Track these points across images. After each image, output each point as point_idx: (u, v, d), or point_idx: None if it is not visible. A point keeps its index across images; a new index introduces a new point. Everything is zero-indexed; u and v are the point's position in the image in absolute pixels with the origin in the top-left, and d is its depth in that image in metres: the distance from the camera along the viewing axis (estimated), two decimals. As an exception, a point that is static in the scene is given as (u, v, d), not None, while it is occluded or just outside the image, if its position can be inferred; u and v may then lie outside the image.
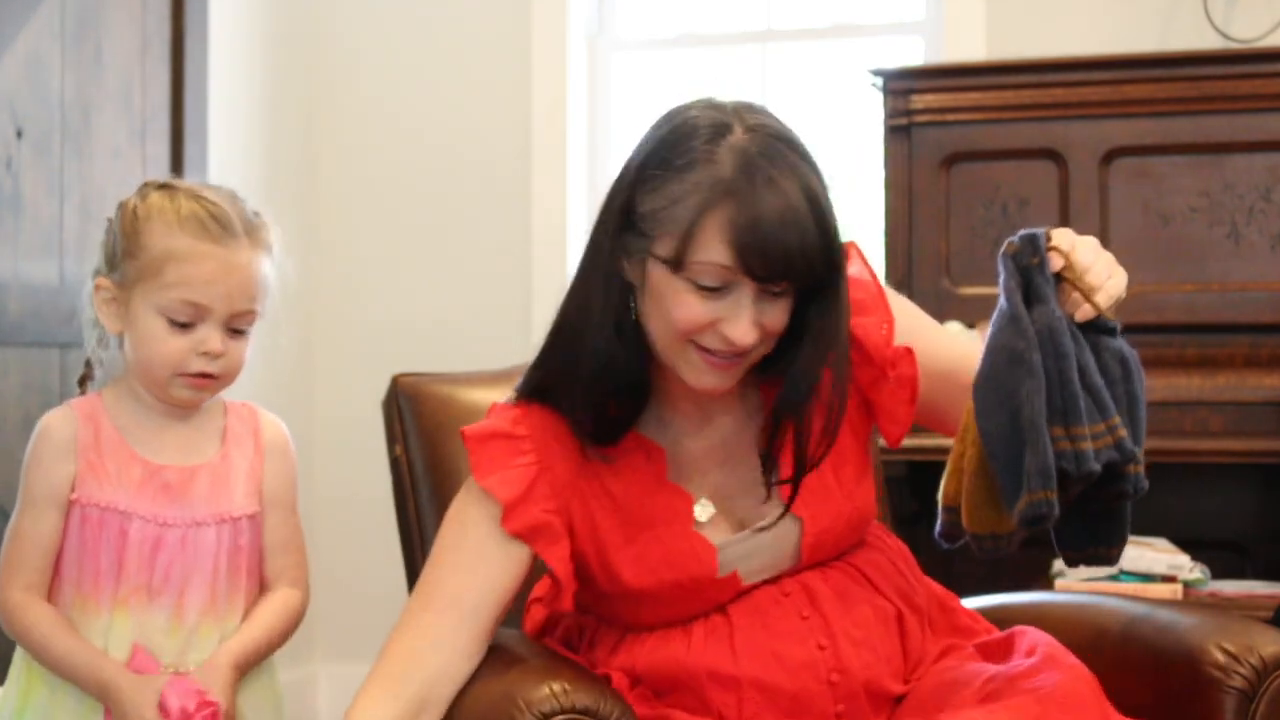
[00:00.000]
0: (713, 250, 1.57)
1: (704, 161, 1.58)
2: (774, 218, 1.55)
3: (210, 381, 1.79)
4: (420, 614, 1.69)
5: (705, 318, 1.60)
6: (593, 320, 1.65)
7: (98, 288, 1.81)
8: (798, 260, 1.57)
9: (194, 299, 1.75)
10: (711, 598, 1.71)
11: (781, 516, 1.71)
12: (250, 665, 1.82)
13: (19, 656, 1.81)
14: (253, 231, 1.81)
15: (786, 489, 1.71)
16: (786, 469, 1.71)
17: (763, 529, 1.72)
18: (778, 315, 1.62)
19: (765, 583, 1.73)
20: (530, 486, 1.68)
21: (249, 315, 1.80)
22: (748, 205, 1.55)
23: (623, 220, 1.63)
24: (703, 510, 1.72)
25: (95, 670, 1.73)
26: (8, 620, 1.77)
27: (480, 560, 1.68)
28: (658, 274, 1.61)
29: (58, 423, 1.80)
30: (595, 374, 1.65)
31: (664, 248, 1.59)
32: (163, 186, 1.82)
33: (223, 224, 1.78)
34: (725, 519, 1.73)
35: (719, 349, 1.61)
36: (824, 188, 1.60)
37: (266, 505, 1.86)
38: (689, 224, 1.57)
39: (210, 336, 1.77)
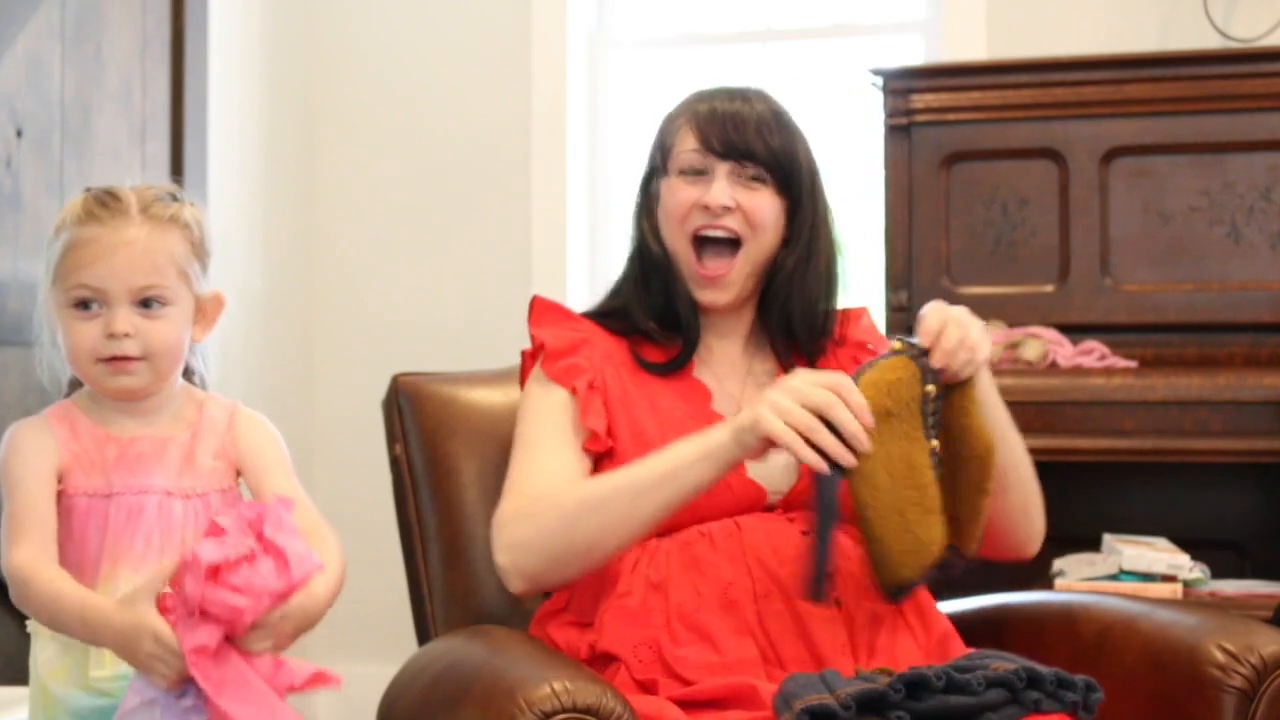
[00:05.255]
0: (684, 140, 1.97)
1: (682, 102, 2.00)
2: (729, 107, 1.95)
3: (129, 363, 1.77)
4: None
5: (690, 199, 1.95)
6: (635, 252, 2.02)
7: (44, 305, 1.83)
8: (752, 139, 1.93)
9: (86, 281, 1.76)
10: (733, 495, 1.89)
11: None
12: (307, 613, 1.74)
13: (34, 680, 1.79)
14: (149, 208, 1.79)
15: None
16: None
17: None
18: (755, 201, 1.95)
19: (776, 510, 1.92)
20: (577, 344, 1.99)
21: (156, 291, 1.78)
22: (707, 102, 1.97)
23: (645, 175, 2.04)
24: None
25: (80, 608, 1.68)
26: (17, 584, 1.72)
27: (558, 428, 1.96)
28: (661, 187, 2.00)
29: (29, 426, 1.80)
30: (658, 302, 1.99)
31: (658, 162, 2.00)
32: (88, 189, 1.82)
33: (110, 206, 1.77)
34: None
35: (706, 226, 1.94)
36: (786, 111, 1.98)
37: (260, 492, 1.84)
38: (668, 133, 1.99)
39: (114, 317, 1.76)
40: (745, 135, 1.93)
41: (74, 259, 1.77)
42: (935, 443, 1.77)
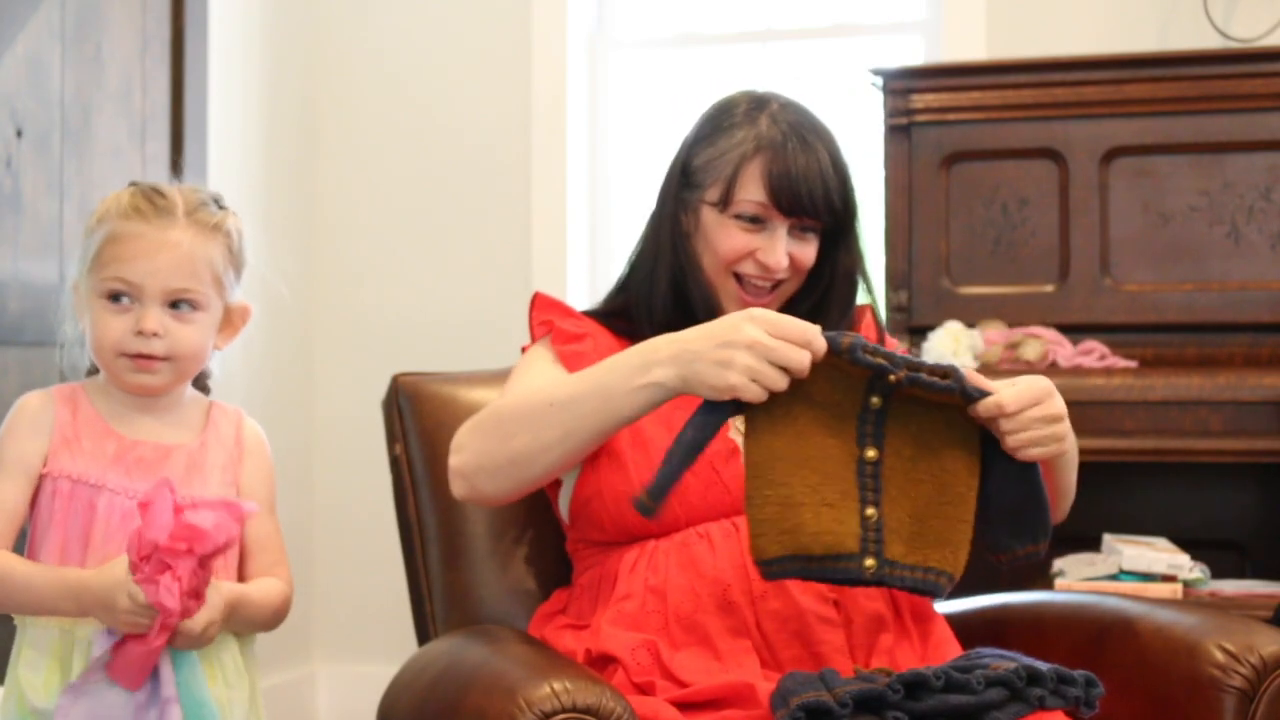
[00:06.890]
0: (752, 191, 1.92)
1: (747, 124, 1.95)
2: (801, 167, 1.91)
3: (153, 363, 1.79)
4: None
5: (745, 248, 1.94)
6: (661, 263, 1.98)
7: (75, 291, 1.84)
8: (820, 202, 1.92)
9: (124, 275, 1.78)
10: (731, 498, 1.86)
11: None
12: (238, 610, 1.80)
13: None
14: (195, 213, 1.82)
15: None
16: None
17: None
18: (807, 252, 1.96)
19: None
20: (583, 336, 1.97)
21: (191, 295, 1.80)
22: (781, 157, 1.91)
23: (680, 180, 1.99)
24: (736, 433, 1.93)
25: (60, 582, 1.71)
26: None
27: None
28: (708, 216, 1.96)
29: (35, 400, 1.82)
30: (665, 310, 1.96)
31: (713, 193, 1.95)
32: (134, 184, 1.85)
33: (157, 205, 1.80)
34: None
35: (756, 276, 1.94)
36: (842, 152, 1.97)
37: None
38: (734, 170, 1.93)
39: (145, 315, 1.78)
40: (814, 198, 1.91)
41: (114, 251, 1.79)
42: (872, 452, 1.70)
